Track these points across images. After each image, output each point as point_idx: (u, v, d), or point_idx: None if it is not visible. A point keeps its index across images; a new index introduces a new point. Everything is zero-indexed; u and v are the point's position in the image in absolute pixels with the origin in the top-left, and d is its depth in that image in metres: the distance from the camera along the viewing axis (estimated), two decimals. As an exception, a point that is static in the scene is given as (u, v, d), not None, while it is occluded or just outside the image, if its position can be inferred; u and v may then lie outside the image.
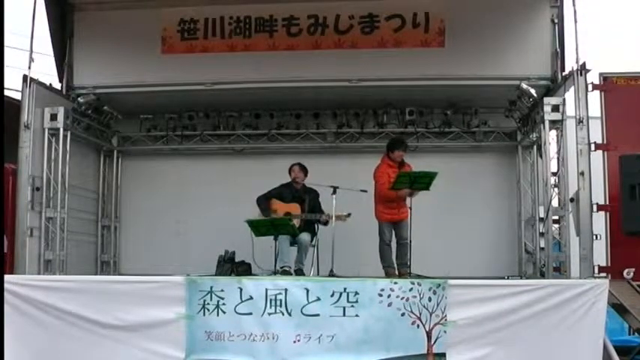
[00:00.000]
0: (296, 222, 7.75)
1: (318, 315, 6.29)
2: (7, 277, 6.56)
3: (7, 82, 7.91)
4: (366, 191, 7.89)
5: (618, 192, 6.74)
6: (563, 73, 8.16)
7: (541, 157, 8.51)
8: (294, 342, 6.26)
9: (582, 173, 7.31)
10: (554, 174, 8.24)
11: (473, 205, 9.63)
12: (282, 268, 7.57)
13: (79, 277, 7.20)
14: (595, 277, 6.95)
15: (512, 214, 9.62)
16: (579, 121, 7.36)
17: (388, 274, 7.67)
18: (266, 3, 8.72)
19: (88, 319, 6.40)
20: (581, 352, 6.08)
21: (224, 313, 6.35)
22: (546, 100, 7.89)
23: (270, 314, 6.32)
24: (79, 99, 9.09)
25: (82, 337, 6.40)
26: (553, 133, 8.04)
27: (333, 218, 7.63)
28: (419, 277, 6.83)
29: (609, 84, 7.66)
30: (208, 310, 6.37)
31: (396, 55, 8.56)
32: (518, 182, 9.54)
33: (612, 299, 6.82)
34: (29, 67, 8.02)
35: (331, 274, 7.25)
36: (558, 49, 8.39)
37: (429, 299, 6.22)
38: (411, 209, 7.48)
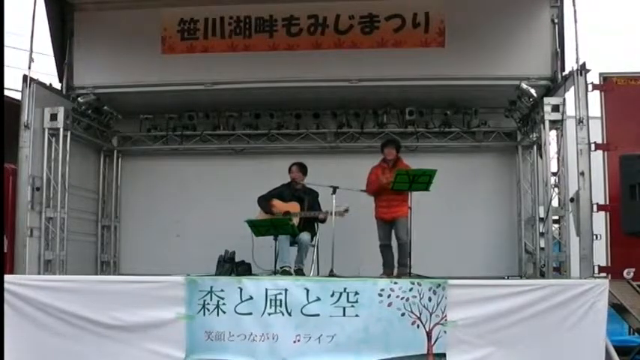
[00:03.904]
0: (295, 221, 7.75)
1: (318, 315, 6.30)
2: (7, 277, 6.57)
3: (7, 82, 7.94)
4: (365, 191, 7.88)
5: (618, 192, 6.74)
6: (563, 73, 8.16)
7: (541, 157, 8.52)
8: (294, 342, 6.27)
9: (582, 173, 7.31)
10: (554, 174, 8.24)
11: (473, 205, 9.63)
12: (282, 268, 7.55)
13: (79, 277, 7.19)
14: (595, 277, 6.94)
15: (513, 214, 9.61)
16: (579, 121, 7.36)
17: (384, 273, 7.68)
18: (266, 3, 8.72)
19: (88, 319, 6.41)
20: (581, 352, 6.08)
21: (224, 313, 6.36)
22: (546, 100, 7.89)
23: (270, 314, 6.33)
24: (79, 99, 9.08)
25: (82, 337, 6.40)
26: (553, 133, 8.04)
27: (333, 214, 7.62)
28: (419, 277, 6.82)
29: (609, 84, 7.67)
30: (208, 310, 6.37)
31: (396, 55, 8.56)
32: (519, 182, 9.54)
33: (612, 299, 6.83)
34: (29, 67, 8.02)
35: (331, 274, 7.23)
36: (558, 49, 8.39)
37: (429, 299, 6.23)
38: (410, 209, 7.47)
